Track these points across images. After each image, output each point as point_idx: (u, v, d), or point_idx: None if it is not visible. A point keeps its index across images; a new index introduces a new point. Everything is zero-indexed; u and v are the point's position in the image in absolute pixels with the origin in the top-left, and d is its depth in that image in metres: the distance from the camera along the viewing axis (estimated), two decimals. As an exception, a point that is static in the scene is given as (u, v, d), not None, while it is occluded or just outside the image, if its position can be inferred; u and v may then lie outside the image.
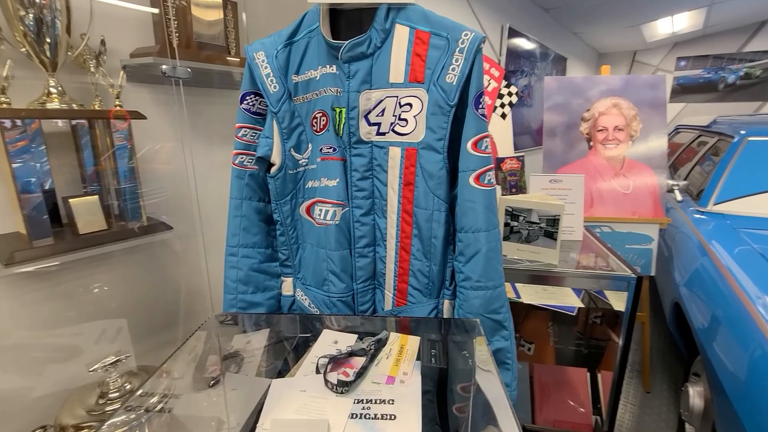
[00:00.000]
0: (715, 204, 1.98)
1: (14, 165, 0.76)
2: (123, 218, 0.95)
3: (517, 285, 1.61)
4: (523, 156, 2.15)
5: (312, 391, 0.74)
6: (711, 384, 1.28)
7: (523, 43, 3.73)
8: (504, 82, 2.42)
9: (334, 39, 0.70)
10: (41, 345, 0.92)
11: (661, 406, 1.91)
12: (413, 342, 0.84)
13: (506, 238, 1.34)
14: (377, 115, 0.70)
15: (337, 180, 0.74)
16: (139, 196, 0.95)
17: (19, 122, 0.75)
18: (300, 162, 0.78)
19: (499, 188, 2.28)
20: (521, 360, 1.63)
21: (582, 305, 1.57)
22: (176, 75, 0.90)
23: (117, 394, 0.89)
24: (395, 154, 0.71)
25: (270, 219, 0.84)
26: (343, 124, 0.72)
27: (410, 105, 0.68)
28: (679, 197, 2.26)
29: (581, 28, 5.18)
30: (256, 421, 0.68)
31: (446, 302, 0.77)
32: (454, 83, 0.64)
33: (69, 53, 0.85)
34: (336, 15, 0.72)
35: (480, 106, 0.66)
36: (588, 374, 1.61)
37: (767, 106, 6.11)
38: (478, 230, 0.68)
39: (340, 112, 0.71)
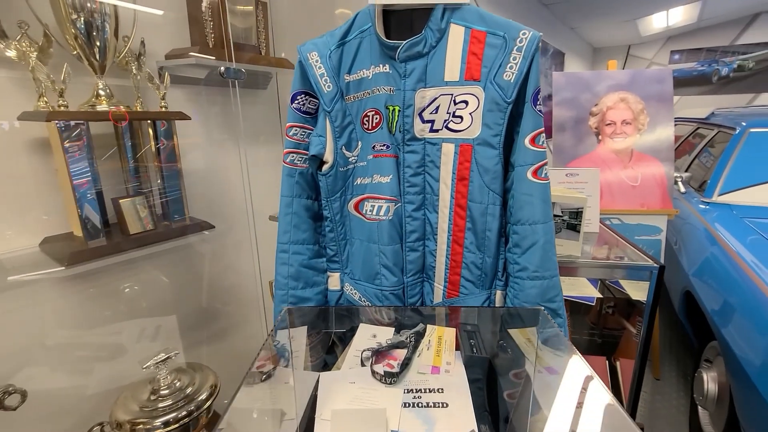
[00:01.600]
0: (719, 195, 2.03)
1: (71, 167, 0.77)
2: (167, 218, 0.97)
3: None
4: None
5: (361, 383, 0.77)
6: (729, 368, 1.32)
7: (524, 39, 3.75)
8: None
9: (386, 39, 0.72)
10: (89, 344, 0.94)
11: (672, 393, 1.96)
12: (450, 333, 0.87)
13: (530, 231, 1.37)
14: (431, 113, 0.72)
15: (390, 176, 0.76)
16: (183, 196, 0.97)
17: (72, 123, 0.76)
18: (350, 159, 0.80)
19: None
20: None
21: (600, 295, 1.61)
22: (233, 76, 0.91)
23: (167, 390, 0.91)
24: (448, 150, 0.73)
25: (317, 216, 0.87)
26: (397, 122, 0.74)
27: (466, 102, 0.70)
28: (682, 189, 2.31)
29: (579, 23, 5.23)
30: (313, 412, 0.71)
31: (498, 293, 0.79)
32: (512, 81, 0.67)
33: (116, 56, 0.86)
34: (387, 15, 0.74)
35: (538, 102, 0.68)
36: (606, 363, 1.65)
37: (760, 98, 6.22)
38: (535, 222, 0.70)
39: (394, 110, 0.73)
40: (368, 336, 0.89)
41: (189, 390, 0.94)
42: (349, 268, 0.87)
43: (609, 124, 2.13)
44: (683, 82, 6.56)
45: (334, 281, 0.90)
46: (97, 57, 0.82)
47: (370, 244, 0.81)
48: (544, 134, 0.69)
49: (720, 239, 1.65)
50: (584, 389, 0.64)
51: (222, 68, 0.91)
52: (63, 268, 0.75)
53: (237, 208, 1.18)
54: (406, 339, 0.84)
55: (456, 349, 0.83)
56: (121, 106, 0.86)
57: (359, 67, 0.75)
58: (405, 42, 0.69)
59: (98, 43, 0.80)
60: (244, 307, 1.23)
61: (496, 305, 0.80)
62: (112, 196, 0.90)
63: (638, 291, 1.50)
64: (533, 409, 0.75)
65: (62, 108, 0.77)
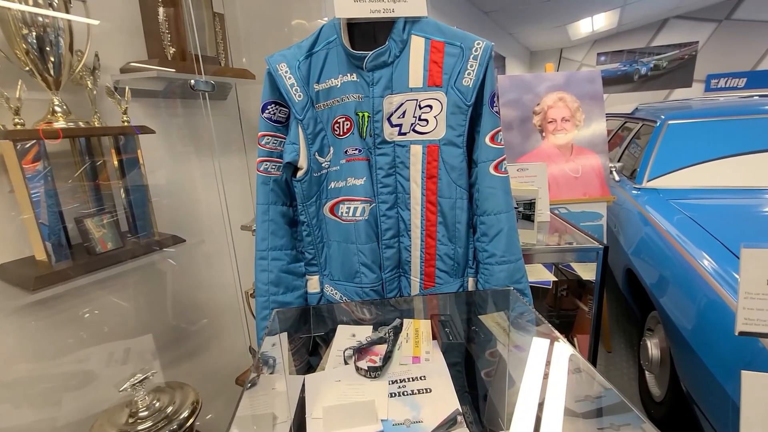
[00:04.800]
0: (648, 181, 2.26)
1: (31, 187, 0.73)
2: (134, 235, 0.94)
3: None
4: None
5: (346, 380, 0.80)
6: (668, 333, 1.49)
7: (468, 44, 3.96)
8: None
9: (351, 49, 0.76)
10: (55, 375, 0.89)
11: (622, 362, 2.16)
12: (426, 325, 0.93)
13: (490, 224, 1.46)
14: (399, 117, 0.78)
15: (364, 179, 0.80)
16: (149, 211, 0.94)
17: (31, 142, 0.73)
18: (323, 165, 0.84)
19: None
20: (506, 335, 1.77)
21: (555, 279, 1.75)
22: (203, 88, 0.91)
23: (147, 412, 0.88)
24: (416, 151, 0.79)
25: (293, 221, 0.89)
26: (367, 127, 0.78)
27: (430, 107, 0.76)
28: (616, 177, 2.55)
29: (516, 29, 5.58)
30: (303, 414, 0.73)
31: (470, 279, 0.86)
32: (470, 86, 0.74)
33: (71, 71, 0.83)
34: (351, 28, 0.78)
35: (495, 104, 0.76)
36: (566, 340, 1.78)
37: (675, 93, 6.97)
38: (499, 212, 0.78)
39: (364, 116, 0.78)
40: (347, 336, 0.92)
41: (169, 409, 0.92)
42: (328, 269, 0.90)
43: (551, 121, 2.32)
44: (610, 81, 7.21)
45: (313, 284, 0.92)
46: (52, 73, 0.78)
47: (348, 244, 0.84)
48: (501, 132, 0.77)
49: (651, 220, 1.85)
50: (558, 354, 0.71)
51: (192, 81, 0.90)
52: (28, 293, 0.71)
53: (208, 220, 1.17)
54: (385, 335, 0.88)
55: (433, 339, 0.88)
56: (80, 123, 0.83)
57: (328, 76, 0.79)
58: (371, 52, 0.74)
59: (52, 59, 0.77)
60: (222, 319, 1.21)
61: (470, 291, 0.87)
62: (74, 215, 0.86)
63: (587, 272, 1.64)
64: (509, 383, 0.82)
65: (18, 126, 0.73)
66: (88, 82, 0.87)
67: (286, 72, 0.77)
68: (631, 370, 2.09)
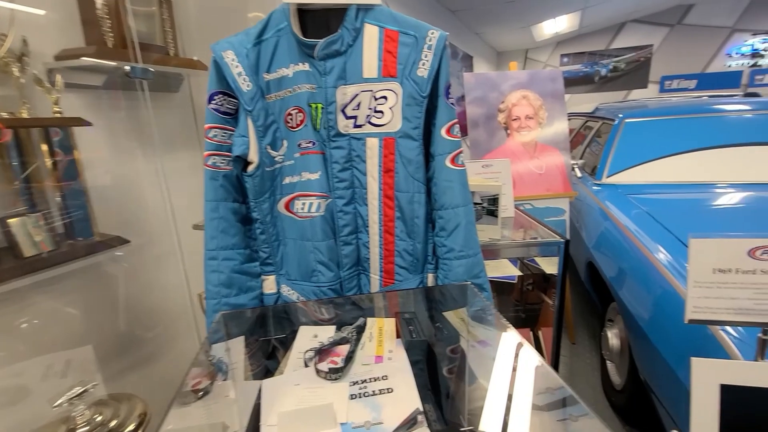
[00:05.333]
0: (607, 177, 2.34)
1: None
2: (70, 237, 0.86)
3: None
4: (452, 146, 2.33)
5: (306, 384, 0.77)
6: (627, 324, 1.54)
7: (436, 43, 3.98)
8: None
9: (303, 37, 0.73)
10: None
11: (585, 353, 2.22)
12: (389, 323, 0.91)
13: (455, 220, 1.46)
14: (353, 109, 0.75)
15: (319, 173, 0.77)
16: (88, 211, 0.87)
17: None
18: (276, 159, 0.80)
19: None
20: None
21: (520, 273, 1.78)
22: (140, 76, 0.84)
23: (87, 428, 0.82)
24: (373, 144, 0.76)
25: (246, 219, 0.84)
26: (321, 119, 0.75)
27: (385, 98, 0.74)
28: (578, 174, 2.63)
29: (482, 28, 5.67)
30: (257, 422, 0.69)
31: (430, 275, 0.85)
32: (426, 76, 0.72)
33: (-9, 57, 0.75)
34: (303, 15, 0.75)
35: (449, 96, 0.75)
36: (531, 333, 1.82)
37: (633, 94, 7.31)
38: (456, 206, 0.76)
39: (317, 107, 0.74)
40: (309, 337, 0.89)
41: (113, 423, 0.85)
42: (285, 268, 0.86)
43: (515, 119, 2.36)
44: (572, 82, 7.49)
45: (269, 284, 0.88)
46: (-32, 58, 0.71)
47: (304, 242, 0.81)
48: (458, 125, 0.76)
49: (611, 215, 1.91)
50: (516, 354, 0.71)
51: (128, 67, 0.84)
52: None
53: (156, 220, 1.09)
54: (348, 335, 0.86)
55: (397, 337, 0.86)
56: (3, 113, 0.75)
57: (278, 65, 0.75)
58: (322, 40, 0.71)
59: (-33, 43, 0.70)
60: (173, 324, 1.14)
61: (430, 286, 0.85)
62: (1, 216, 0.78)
63: (551, 266, 1.67)
64: (470, 379, 0.81)
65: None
66: (14, 70, 0.79)
67: (233, 60, 0.73)
68: (593, 360, 2.15)
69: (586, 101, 7.14)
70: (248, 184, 0.79)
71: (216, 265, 0.80)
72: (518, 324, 2.02)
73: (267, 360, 0.91)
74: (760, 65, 6.37)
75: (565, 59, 7.51)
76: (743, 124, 2.30)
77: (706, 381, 0.81)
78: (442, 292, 0.85)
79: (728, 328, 0.97)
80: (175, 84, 1.14)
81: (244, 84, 0.73)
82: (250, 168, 0.78)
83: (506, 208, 1.76)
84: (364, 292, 0.87)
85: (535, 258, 1.84)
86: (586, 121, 3.38)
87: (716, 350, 0.97)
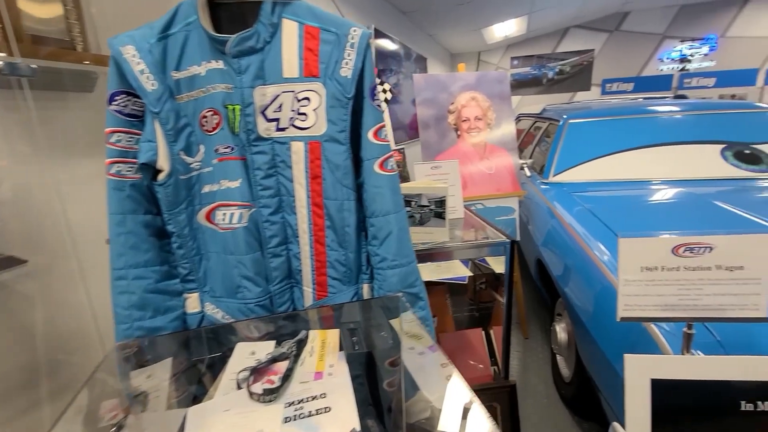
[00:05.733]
0: (554, 175, 2.42)
1: None
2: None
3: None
4: (403, 148, 2.32)
5: (237, 408, 0.71)
6: (571, 318, 1.58)
7: (389, 44, 3.98)
8: (378, 80, 2.55)
9: (216, 32, 0.67)
10: None
11: (538, 348, 2.28)
12: (333, 335, 0.86)
13: (402, 223, 1.44)
14: (275, 111, 0.69)
15: (240, 180, 0.71)
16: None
17: None
18: (192, 166, 0.72)
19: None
20: (427, 333, 1.77)
21: (471, 274, 1.79)
22: (18, 72, 0.73)
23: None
24: (298, 148, 0.71)
25: (162, 232, 0.76)
26: (239, 122, 0.69)
27: (308, 99, 0.69)
28: (528, 173, 2.71)
29: (435, 30, 5.74)
30: None
31: (365, 286, 0.80)
32: (349, 77, 0.67)
33: None
34: (215, 7, 0.68)
35: (375, 97, 0.71)
36: (483, 333, 1.83)
37: (578, 95, 7.71)
38: (387, 213, 0.73)
39: (234, 109, 0.68)
40: (246, 354, 0.82)
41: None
42: (208, 285, 0.79)
43: (465, 120, 2.38)
44: (522, 84, 7.80)
45: (192, 303, 0.80)
46: None
47: (227, 255, 0.74)
48: (385, 128, 0.72)
49: (556, 213, 1.96)
50: (431, 361, 0.68)
51: (0, 63, 0.73)
52: None
53: (58, 236, 0.97)
54: (288, 350, 0.80)
55: (340, 350, 0.82)
56: None
57: (189, 62, 0.68)
58: (234, 36, 0.64)
59: None
60: (83, 353, 1.02)
61: (365, 298, 0.81)
62: None
63: (502, 265, 1.68)
64: (409, 392, 0.78)
65: None
66: None
67: (134, 56, 0.65)
68: (545, 354, 2.21)
69: (536, 102, 7.45)
70: (160, 194, 0.71)
71: (125, 286, 0.72)
72: (471, 324, 2.04)
73: (196, 385, 0.83)
74: (687, 69, 6.92)
75: (515, 62, 7.79)
76: (674, 125, 2.46)
77: (638, 376, 0.83)
78: (376, 304, 0.81)
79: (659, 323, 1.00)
80: (88, 83, 1.02)
81: (148, 83, 0.66)
82: (161, 176, 0.70)
83: (455, 209, 1.76)
84: (298, 306, 0.81)
85: (486, 258, 1.86)
86: (535, 122, 3.50)
87: (649, 344, 1.00)
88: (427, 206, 1.44)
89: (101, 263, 0.81)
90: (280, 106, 0.69)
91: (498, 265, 1.81)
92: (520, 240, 2.56)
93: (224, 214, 0.72)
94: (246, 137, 0.69)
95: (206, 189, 0.73)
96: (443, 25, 5.35)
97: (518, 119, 4.35)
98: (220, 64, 0.67)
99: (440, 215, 1.44)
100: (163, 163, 0.69)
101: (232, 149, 0.70)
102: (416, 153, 2.33)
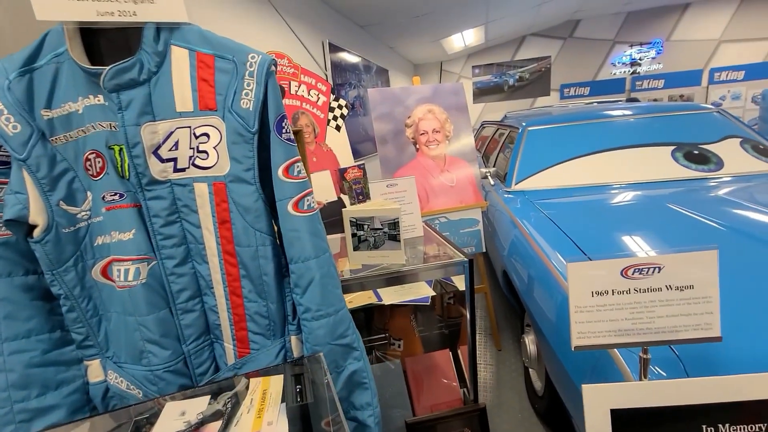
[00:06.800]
0: (516, 183, 2.41)
1: None
2: None
3: (379, 289, 1.67)
4: (363, 164, 2.26)
5: None
6: (536, 330, 1.54)
7: (347, 57, 3.94)
8: (332, 96, 2.49)
9: (95, 63, 0.58)
10: None
11: (511, 359, 2.24)
12: (276, 382, 0.77)
13: (356, 248, 1.37)
14: (170, 150, 0.61)
15: (134, 231, 0.61)
16: None
17: None
18: (79, 216, 0.63)
19: (346, 198, 2.34)
20: (394, 358, 1.69)
21: (434, 293, 1.72)
22: None
23: None
24: (202, 191, 0.62)
25: (50, 294, 0.65)
26: (127, 165, 0.60)
27: (207, 135, 0.61)
28: (491, 182, 2.70)
29: (395, 42, 5.77)
30: None
31: (293, 338, 0.72)
32: (251, 108, 0.60)
33: None
34: (92, 35, 0.59)
35: (284, 130, 0.63)
36: (450, 353, 1.77)
37: (538, 101, 7.92)
38: (307, 258, 0.65)
39: (120, 150, 0.59)
40: (175, 416, 0.72)
41: None
42: (111, 349, 0.68)
43: (423, 133, 2.34)
44: (485, 92, 7.94)
45: (94, 371, 0.70)
46: None
47: (126, 317, 0.64)
48: (299, 163, 0.65)
49: (518, 222, 1.94)
50: None
51: None
52: None
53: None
54: (223, 406, 0.70)
55: (283, 400, 0.72)
56: None
57: (63, 99, 0.59)
58: (109, 68, 0.56)
59: None
60: None
61: (294, 352, 0.72)
62: None
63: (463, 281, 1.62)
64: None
65: None
66: None
67: None
68: (518, 365, 2.17)
69: (499, 109, 7.61)
70: (38, 252, 0.61)
71: (0, 363, 0.61)
72: (441, 343, 1.96)
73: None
74: (638, 72, 7.24)
75: (477, 70, 7.94)
76: (628, 128, 2.51)
77: (598, 407, 0.78)
78: (302, 361, 0.73)
79: (617, 342, 0.96)
80: None
81: (8, 125, 0.56)
82: (36, 232, 0.60)
83: (414, 227, 1.71)
84: (220, 365, 0.72)
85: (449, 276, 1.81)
86: (497, 129, 3.53)
87: (610, 364, 0.96)
88: (381, 229, 1.37)
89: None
90: (176, 144, 0.61)
91: (461, 281, 1.76)
92: (488, 250, 2.53)
93: (119, 270, 0.62)
94: (137, 181, 0.60)
95: (99, 241, 0.64)
96: (402, 37, 5.38)
97: (483, 126, 4.39)
98: (100, 100, 0.58)
99: (395, 237, 1.37)
100: (37, 217, 0.59)
101: (122, 196, 0.61)
102: (378, 166, 2.27)
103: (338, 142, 2.51)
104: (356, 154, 3.16)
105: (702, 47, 6.97)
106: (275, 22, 2.78)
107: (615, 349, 0.96)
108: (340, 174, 2.28)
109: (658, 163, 2.21)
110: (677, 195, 1.83)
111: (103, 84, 0.56)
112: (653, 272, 0.75)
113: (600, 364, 0.99)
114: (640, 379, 0.81)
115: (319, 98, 2.43)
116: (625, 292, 0.76)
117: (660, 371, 0.89)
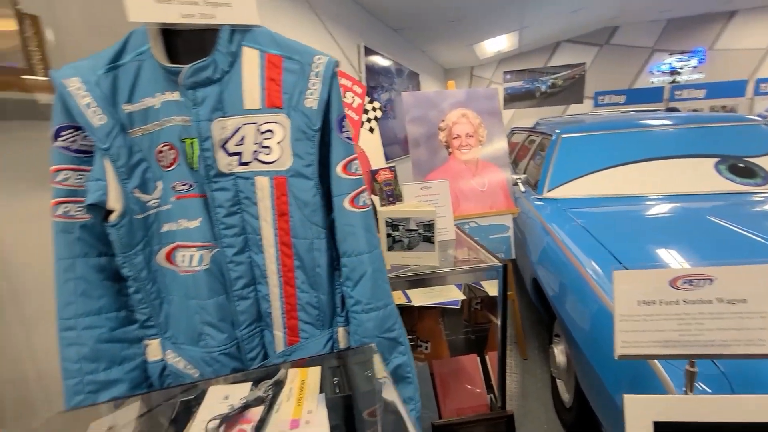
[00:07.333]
0: (548, 191, 2.38)
1: None
2: None
3: (408, 291, 1.68)
4: (394, 166, 2.28)
5: None
6: (568, 341, 1.52)
7: (380, 61, 3.99)
8: (367, 98, 2.53)
9: (172, 62, 0.62)
10: None
11: (537, 369, 2.20)
12: (314, 374, 0.79)
13: (390, 248, 1.39)
14: (237, 144, 0.64)
15: (200, 219, 0.65)
16: None
17: None
18: (150, 204, 0.67)
19: (377, 199, 2.37)
20: (420, 360, 1.70)
21: (464, 297, 1.72)
22: None
23: None
24: (263, 184, 0.66)
25: (117, 276, 0.70)
26: (198, 157, 0.64)
27: (272, 131, 0.64)
28: (522, 188, 2.67)
29: (427, 46, 5.79)
30: None
31: (341, 330, 0.74)
32: (315, 108, 0.63)
33: None
34: (170, 36, 0.64)
35: (344, 129, 0.66)
36: (478, 358, 1.76)
37: (570, 108, 7.76)
38: (360, 253, 0.67)
39: (192, 143, 0.63)
40: (219, 399, 0.76)
41: None
42: (170, 331, 0.73)
43: (456, 137, 2.35)
44: (516, 98, 7.85)
45: (153, 350, 0.74)
46: None
47: (188, 300, 0.68)
48: (357, 161, 0.67)
49: (550, 230, 1.91)
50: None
51: None
52: None
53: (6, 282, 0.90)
54: (264, 392, 0.74)
55: (321, 391, 0.75)
56: None
57: (142, 95, 0.64)
58: (188, 66, 0.60)
59: None
60: (25, 420, 0.92)
61: (340, 344, 0.75)
62: None
63: (495, 287, 1.62)
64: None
65: None
66: None
67: (79, 89, 0.61)
68: (545, 376, 2.13)
69: (530, 116, 7.50)
70: (113, 236, 0.65)
71: (74, 337, 0.66)
72: (467, 348, 1.96)
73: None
74: (678, 81, 6.98)
75: (508, 76, 7.86)
76: (667, 138, 2.43)
77: (640, 418, 0.77)
78: (351, 354, 0.75)
79: (660, 354, 0.94)
80: (33, 112, 0.96)
81: (95, 117, 0.61)
82: (113, 217, 0.65)
83: (446, 230, 1.71)
84: (269, 352, 0.75)
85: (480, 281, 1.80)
86: (529, 136, 3.48)
87: (650, 376, 0.94)
88: (416, 230, 1.39)
89: (47, 313, 0.74)
90: (242, 139, 0.64)
91: (492, 287, 1.75)
92: (516, 257, 2.51)
93: (183, 256, 0.66)
94: (205, 173, 0.65)
95: (165, 228, 0.68)
96: (435, 41, 5.39)
97: (513, 132, 4.34)
98: (175, 96, 0.63)
99: (429, 239, 1.39)
100: (115, 203, 0.63)
101: (191, 186, 0.65)
102: (409, 168, 2.29)
103: (371, 144, 2.54)
104: (385, 157, 3.19)
105: (748, 56, 6.66)
106: (313, 25, 2.85)
107: (657, 361, 0.94)
108: (372, 175, 2.31)
109: (700, 176, 2.13)
110: (719, 208, 1.76)
111: (182, 81, 0.61)
112: (704, 284, 0.73)
113: (640, 376, 0.97)
114: (686, 393, 0.79)
115: (354, 100, 2.47)
116: (673, 303, 0.75)
117: (704, 387, 0.86)
